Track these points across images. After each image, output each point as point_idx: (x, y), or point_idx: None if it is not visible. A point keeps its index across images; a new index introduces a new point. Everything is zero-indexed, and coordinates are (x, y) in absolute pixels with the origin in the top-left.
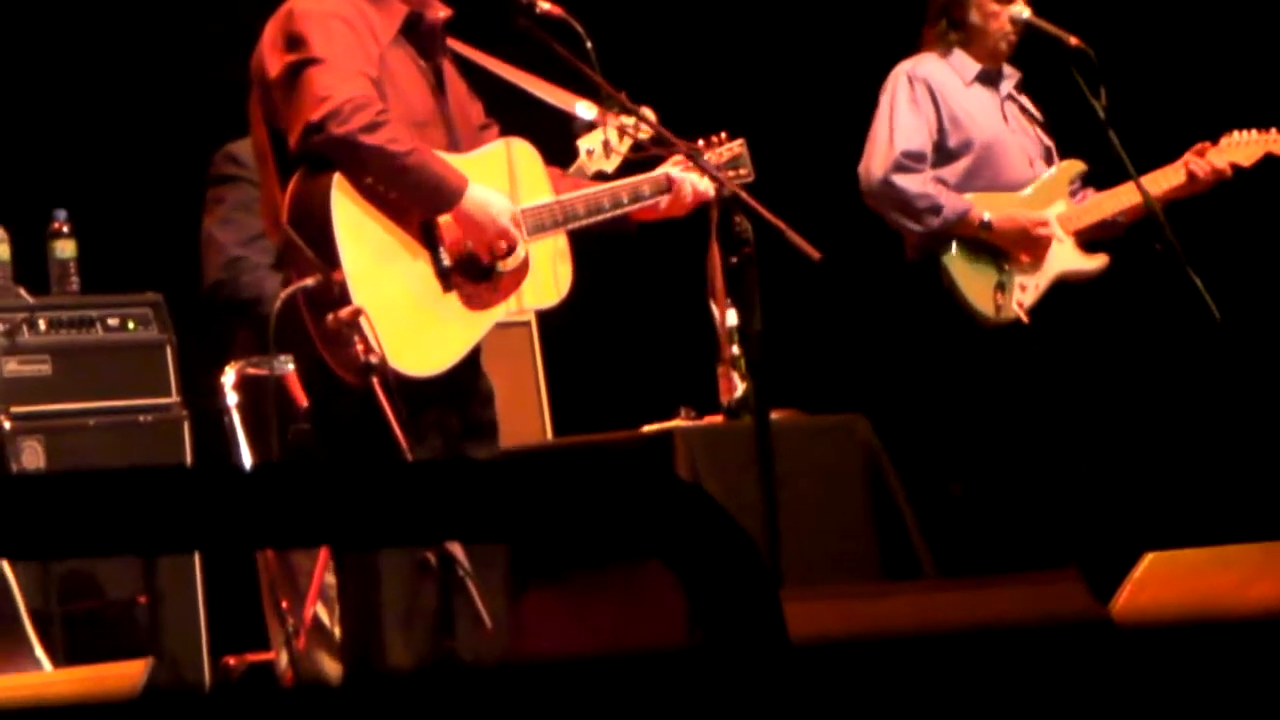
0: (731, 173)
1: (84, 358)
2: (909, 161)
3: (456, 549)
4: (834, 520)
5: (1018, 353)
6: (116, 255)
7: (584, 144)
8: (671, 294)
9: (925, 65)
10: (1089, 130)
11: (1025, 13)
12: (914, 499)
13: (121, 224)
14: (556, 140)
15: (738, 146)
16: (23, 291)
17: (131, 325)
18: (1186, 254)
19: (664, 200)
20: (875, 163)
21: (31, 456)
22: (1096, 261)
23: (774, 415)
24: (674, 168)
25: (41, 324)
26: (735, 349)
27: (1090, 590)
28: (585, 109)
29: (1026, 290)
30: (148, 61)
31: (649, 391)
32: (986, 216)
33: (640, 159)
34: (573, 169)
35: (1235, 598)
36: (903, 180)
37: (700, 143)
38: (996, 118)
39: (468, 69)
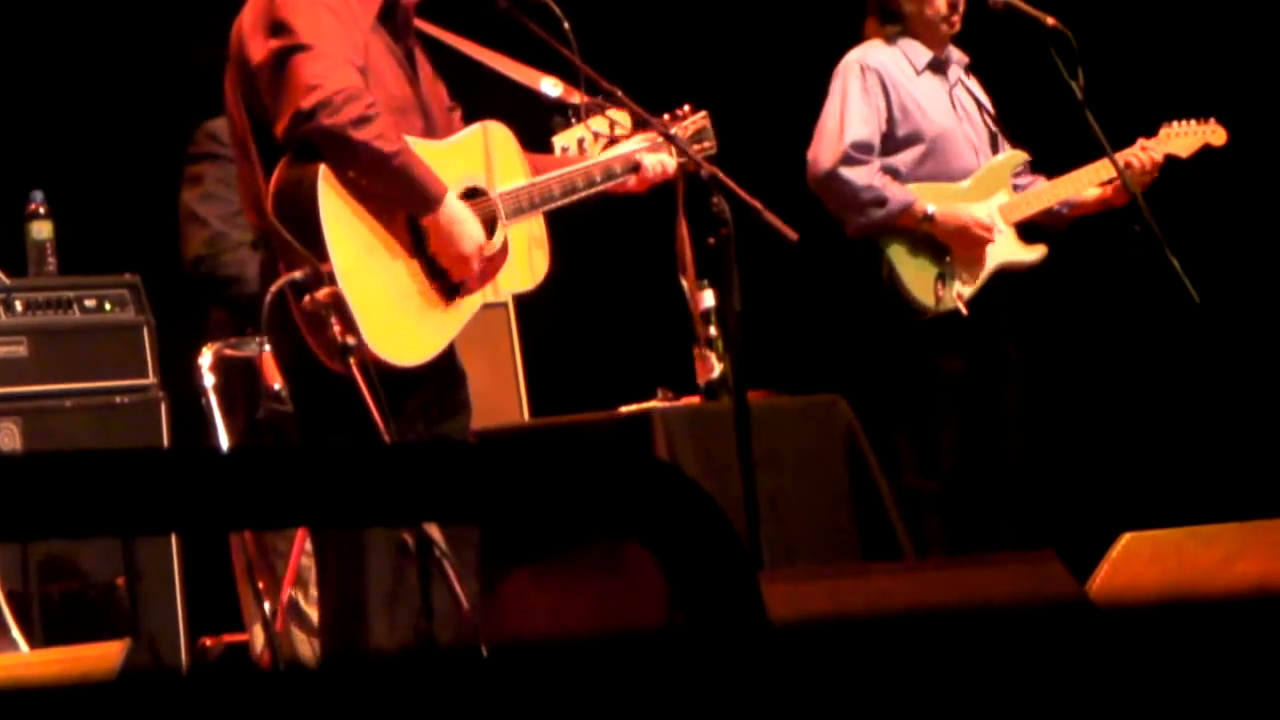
0: (696, 146)
1: (61, 339)
2: (856, 153)
3: (434, 530)
4: (813, 500)
5: (954, 339)
6: (94, 236)
7: (559, 141)
8: (648, 274)
9: (876, 53)
10: (1066, 111)
11: None
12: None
13: (99, 205)
14: (523, 117)
15: (701, 119)
16: None
17: (109, 307)
18: (1165, 236)
19: (632, 179)
20: (824, 153)
21: (8, 438)
22: (1035, 252)
23: (752, 395)
24: (639, 145)
25: (18, 305)
26: (713, 329)
27: (1069, 570)
28: (550, 86)
29: (966, 282)
30: (122, 42)
31: (626, 372)
32: (930, 210)
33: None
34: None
35: (1214, 576)
36: (849, 173)
37: (665, 116)
38: (945, 107)
39: (431, 49)
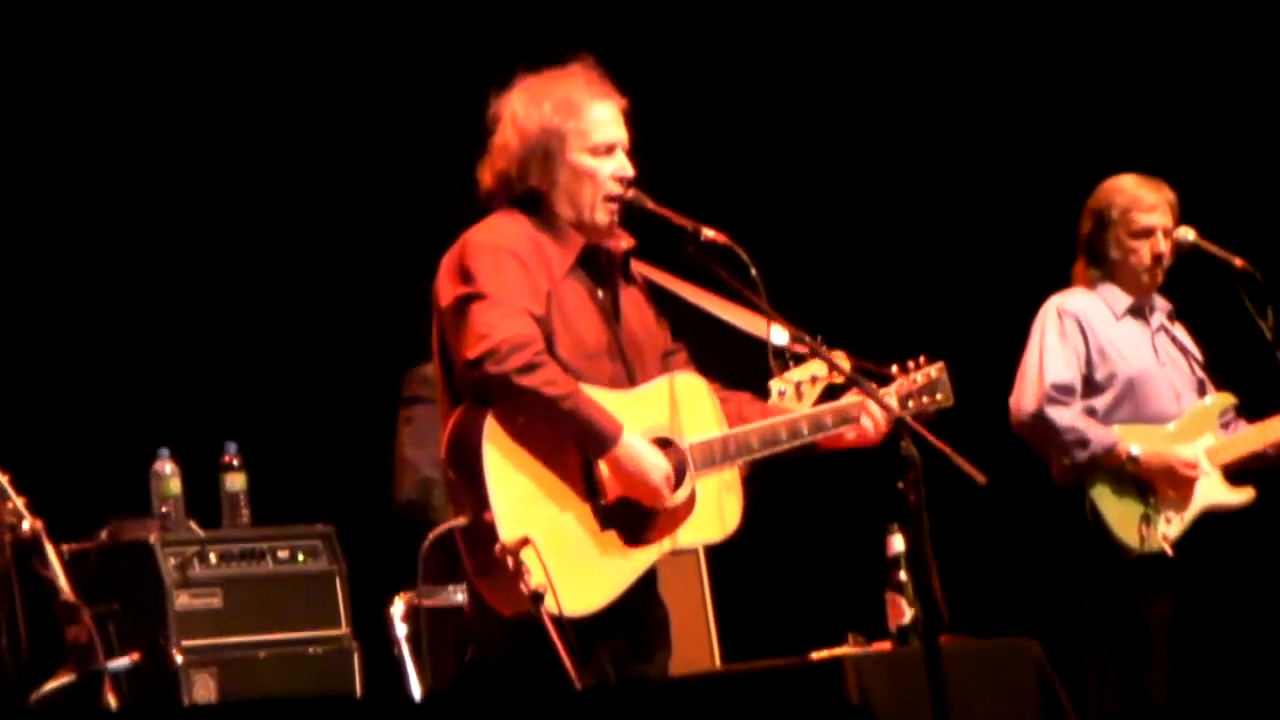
0: (927, 398)
1: (254, 590)
2: (1058, 395)
3: None
4: None
5: (1161, 581)
6: (287, 485)
7: (776, 385)
8: (836, 518)
9: (1075, 299)
10: (1255, 351)
11: (1190, 235)
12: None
13: (292, 454)
14: (752, 357)
15: (936, 371)
16: (194, 525)
17: (301, 557)
18: None
19: (850, 431)
20: (1025, 397)
21: (203, 689)
22: (1243, 495)
23: (943, 640)
24: (854, 397)
25: (212, 557)
26: (903, 574)
27: None
28: (779, 334)
29: (1171, 523)
30: (312, 297)
31: (816, 617)
32: (1135, 451)
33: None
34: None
35: None
36: (1052, 413)
37: (895, 366)
38: (1146, 351)
39: (658, 292)
